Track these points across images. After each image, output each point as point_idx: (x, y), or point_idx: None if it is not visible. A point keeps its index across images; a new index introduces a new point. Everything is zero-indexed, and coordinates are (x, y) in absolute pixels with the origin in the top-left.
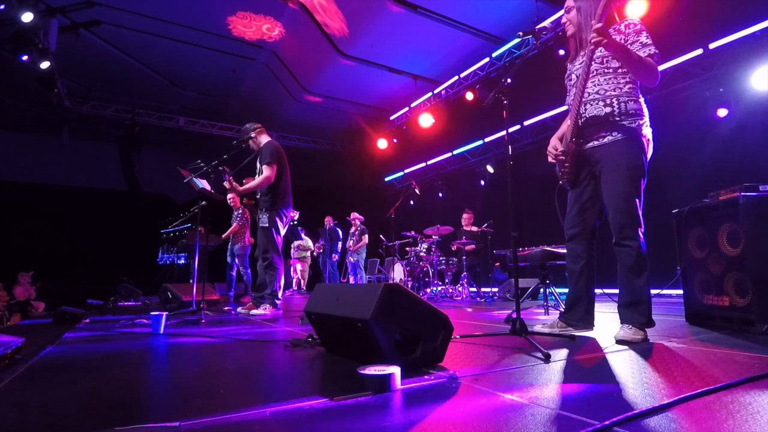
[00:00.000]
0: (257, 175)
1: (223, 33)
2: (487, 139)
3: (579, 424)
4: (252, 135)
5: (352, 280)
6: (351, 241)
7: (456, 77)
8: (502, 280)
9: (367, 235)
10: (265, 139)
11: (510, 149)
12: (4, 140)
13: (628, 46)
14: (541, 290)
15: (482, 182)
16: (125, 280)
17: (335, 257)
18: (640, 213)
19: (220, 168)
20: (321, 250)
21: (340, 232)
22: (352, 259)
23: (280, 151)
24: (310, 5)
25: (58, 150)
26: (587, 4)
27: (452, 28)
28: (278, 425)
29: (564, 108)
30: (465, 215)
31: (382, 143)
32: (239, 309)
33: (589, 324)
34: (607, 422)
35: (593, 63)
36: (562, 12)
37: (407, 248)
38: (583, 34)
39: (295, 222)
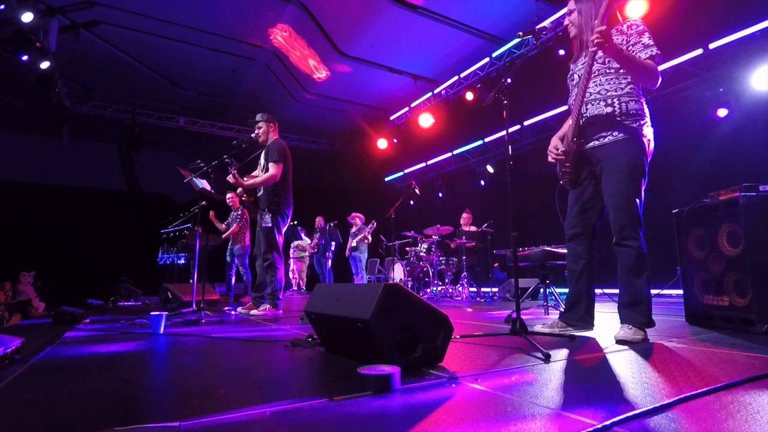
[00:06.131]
0: (260, 172)
1: (223, 33)
2: (487, 139)
3: (579, 424)
4: (265, 123)
5: (356, 280)
6: (355, 241)
7: (456, 77)
8: (502, 280)
9: (369, 235)
10: (274, 136)
11: (510, 149)
12: (4, 140)
13: (630, 47)
14: (541, 290)
15: (482, 182)
16: (125, 280)
17: (329, 255)
18: (641, 213)
19: (227, 160)
20: (315, 250)
21: (339, 234)
22: (357, 254)
23: (287, 151)
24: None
25: (58, 150)
26: (588, 6)
27: (452, 28)
28: (278, 425)
29: (564, 108)
30: (464, 215)
31: (382, 143)
32: (239, 309)
33: (589, 324)
34: (607, 422)
35: (595, 63)
36: (562, 12)
37: (407, 248)
38: (584, 36)
39: (295, 222)
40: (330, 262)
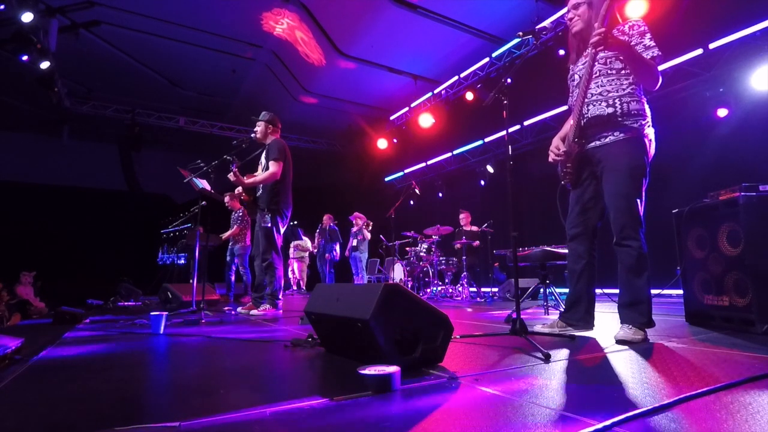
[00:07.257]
0: (260, 171)
1: (223, 33)
2: (487, 139)
3: (579, 424)
4: (264, 123)
5: (356, 280)
6: (355, 240)
7: (456, 77)
8: (502, 280)
9: (369, 233)
10: (274, 137)
11: (510, 149)
12: (4, 140)
13: None
14: (541, 290)
15: (482, 182)
16: (125, 280)
17: (328, 257)
18: (641, 213)
19: (228, 158)
20: (317, 250)
21: (339, 234)
22: (357, 254)
23: (287, 150)
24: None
25: (58, 150)
26: (598, 1)
27: (452, 28)
28: (278, 425)
29: (564, 108)
30: (462, 215)
31: (382, 143)
32: (239, 309)
33: (589, 324)
34: (607, 422)
35: (596, 64)
36: (562, 12)
37: (407, 248)
38: (591, 30)
39: (294, 222)
40: (331, 262)
